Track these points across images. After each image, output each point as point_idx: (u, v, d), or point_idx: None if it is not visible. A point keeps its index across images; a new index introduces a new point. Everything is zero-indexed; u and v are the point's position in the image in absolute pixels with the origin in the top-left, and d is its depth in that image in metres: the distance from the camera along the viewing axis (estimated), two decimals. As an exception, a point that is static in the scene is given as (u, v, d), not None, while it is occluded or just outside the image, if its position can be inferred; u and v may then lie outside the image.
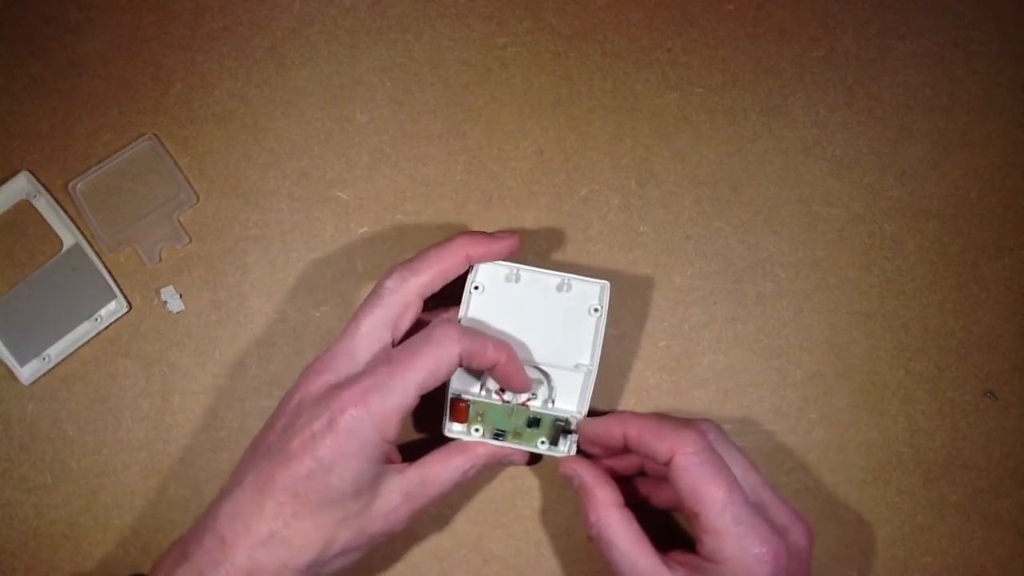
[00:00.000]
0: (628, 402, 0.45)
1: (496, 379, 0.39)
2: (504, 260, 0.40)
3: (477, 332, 0.38)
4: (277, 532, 0.34)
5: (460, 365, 0.37)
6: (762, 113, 0.47)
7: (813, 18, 0.48)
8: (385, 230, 0.46)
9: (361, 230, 0.46)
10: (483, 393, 0.40)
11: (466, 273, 0.40)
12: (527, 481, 0.44)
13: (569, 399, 0.40)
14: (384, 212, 0.46)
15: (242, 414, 0.44)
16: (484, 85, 0.47)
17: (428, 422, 0.42)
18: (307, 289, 0.45)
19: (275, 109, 0.47)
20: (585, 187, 0.46)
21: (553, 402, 0.40)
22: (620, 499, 0.38)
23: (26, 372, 0.44)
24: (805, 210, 0.46)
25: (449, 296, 0.40)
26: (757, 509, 0.36)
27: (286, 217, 0.46)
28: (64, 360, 0.44)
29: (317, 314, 0.45)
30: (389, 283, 0.38)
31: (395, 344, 0.38)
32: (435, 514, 0.43)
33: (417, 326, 0.38)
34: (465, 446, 0.39)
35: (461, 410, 0.40)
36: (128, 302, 0.45)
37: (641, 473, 0.42)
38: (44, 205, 0.45)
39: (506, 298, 0.40)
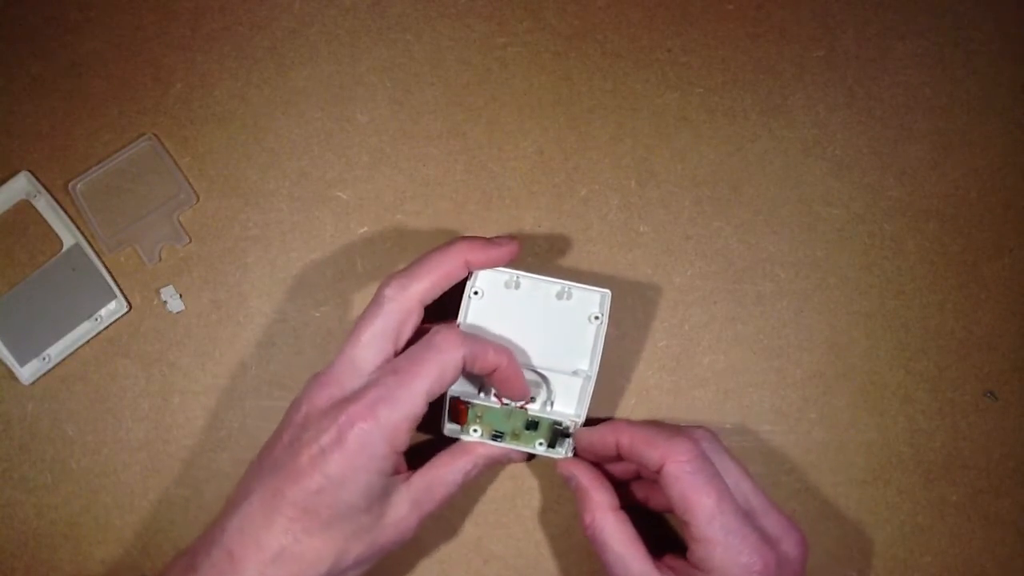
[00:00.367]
0: (628, 402, 0.45)
1: (496, 385, 0.39)
2: (504, 266, 0.40)
3: (477, 336, 0.38)
4: (287, 548, 0.34)
5: (464, 369, 0.37)
6: (762, 113, 0.47)
7: (813, 18, 0.48)
8: (385, 230, 0.46)
9: (361, 230, 0.46)
10: (482, 395, 0.40)
11: (465, 279, 0.40)
12: (527, 481, 0.44)
13: (568, 403, 0.40)
14: (384, 212, 0.46)
15: (242, 414, 0.44)
16: (484, 85, 0.47)
17: (425, 422, 0.42)
18: (307, 289, 0.45)
19: (275, 109, 0.47)
20: (585, 187, 0.46)
21: (552, 405, 0.40)
22: (616, 501, 0.38)
23: (26, 372, 0.44)
24: (805, 210, 0.46)
25: (448, 303, 0.40)
26: (748, 518, 0.36)
27: (286, 217, 0.46)
28: (64, 360, 0.44)
29: (317, 314, 0.45)
30: (388, 291, 0.37)
31: (397, 353, 0.37)
32: (436, 515, 0.43)
33: (417, 334, 0.38)
34: (466, 447, 0.39)
35: (460, 411, 0.40)
36: (128, 302, 0.45)
37: (639, 477, 0.42)
38: (44, 205, 0.45)
39: (506, 304, 0.40)
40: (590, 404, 0.40)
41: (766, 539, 0.35)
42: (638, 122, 0.47)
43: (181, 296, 0.45)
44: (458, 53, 0.47)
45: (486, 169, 0.46)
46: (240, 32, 0.47)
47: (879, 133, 0.47)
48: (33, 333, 0.44)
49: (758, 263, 0.46)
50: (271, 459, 0.36)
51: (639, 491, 0.42)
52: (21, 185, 0.45)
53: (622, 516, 0.38)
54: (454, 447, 0.40)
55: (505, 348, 0.38)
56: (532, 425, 0.40)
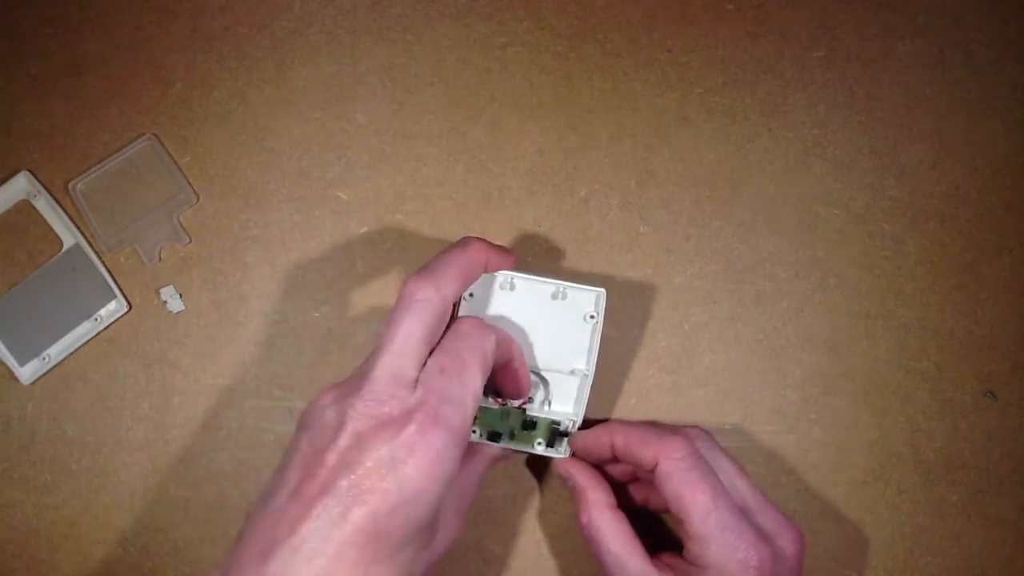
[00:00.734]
0: (628, 402, 0.45)
1: (504, 377, 0.38)
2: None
3: (494, 325, 0.37)
4: None
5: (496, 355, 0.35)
6: (762, 113, 0.47)
7: (813, 18, 0.48)
8: (385, 230, 0.46)
9: (361, 230, 0.46)
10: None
11: None
12: (527, 481, 0.44)
13: (565, 403, 0.40)
14: (384, 212, 0.46)
15: (242, 414, 0.44)
16: (484, 85, 0.47)
17: None
18: (307, 289, 0.45)
19: (275, 109, 0.47)
20: (585, 187, 0.46)
21: (549, 405, 0.40)
22: (612, 500, 0.38)
23: (26, 372, 0.44)
24: (805, 210, 0.46)
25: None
26: (744, 515, 0.36)
27: (286, 217, 0.46)
28: (64, 360, 0.44)
29: (317, 314, 0.45)
30: (422, 294, 0.33)
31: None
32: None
33: None
34: (474, 448, 0.39)
35: None
36: (128, 302, 0.45)
37: (636, 479, 0.42)
38: (44, 205, 0.45)
39: (501, 306, 0.40)
40: (589, 403, 0.40)
41: (762, 535, 0.35)
42: (638, 122, 0.47)
43: (181, 296, 0.45)
44: (458, 53, 0.47)
45: (486, 169, 0.46)
46: (240, 32, 0.47)
47: (879, 133, 0.47)
48: (33, 333, 0.44)
49: (758, 263, 0.46)
50: (318, 485, 0.30)
51: (637, 493, 0.42)
52: (21, 185, 0.45)
53: (619, 515, 0.38)
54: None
55: (514, 339, 0.38)
56: (530, 425, 0.40)
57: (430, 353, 0.34)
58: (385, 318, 0.35)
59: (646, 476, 0.40)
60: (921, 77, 0.48)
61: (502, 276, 0.40)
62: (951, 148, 0.47)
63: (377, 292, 0.45)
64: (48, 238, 0.45)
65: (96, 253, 0.45)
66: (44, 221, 0.45)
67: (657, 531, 0.43)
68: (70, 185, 0.45)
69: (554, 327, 0.40)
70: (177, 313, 0.45)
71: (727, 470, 0.37)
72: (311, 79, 0.47)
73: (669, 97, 0.47)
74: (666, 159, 0.46)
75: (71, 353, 0.44)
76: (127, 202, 0.45)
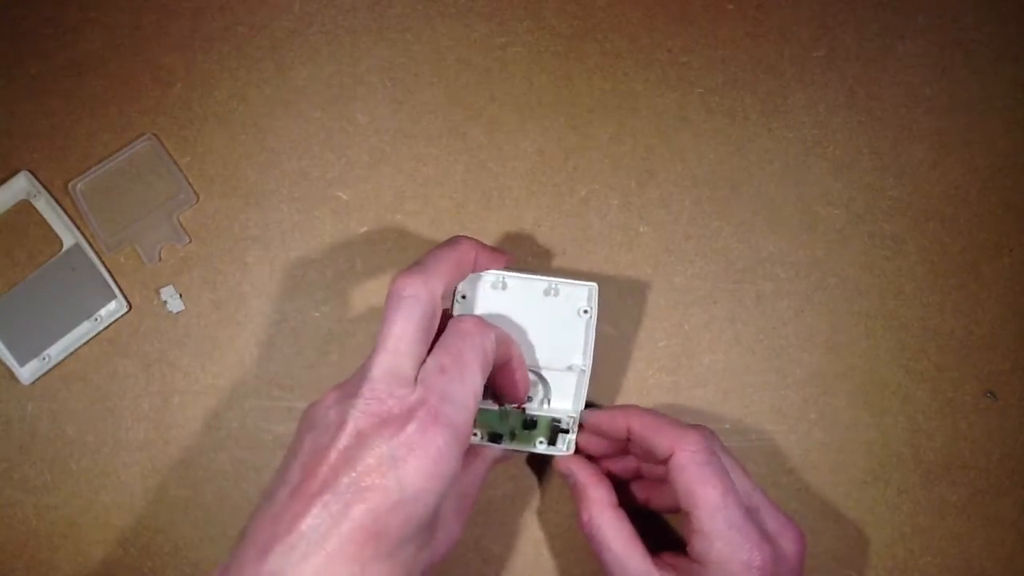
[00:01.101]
0: (628, 401, 0.44)
1: (503, 378, 0.38)
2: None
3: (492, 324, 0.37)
4: None
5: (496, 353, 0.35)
6: (762, 113, 0.47)
7: (813, 18, 0.48)
8: (385, 230, 0.46)
9: (361, 230, 0.46)
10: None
11: None
12: (527, 481, 0.44)
13: (564, 400, 0.40)
14: (384, 212, 0.46)
15: (242, 414, 0.44)
16: (484, 85, 0.47)
17: None
18: (307, 289, 0.45)
19: (275, 109, 0.47)
20: (585, 187, 0.46)
21: (549, 403, 0.40)
22: (614, 499, 0.38)
23: (26, 372, 0.44)
24: (805, 210, 0.46)
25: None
26: (750, 514, 0.36)
27: (286, 217, 0.46)
28: (64, 360, 0.44)
29: (317, 314, 0.45)
30: (411, 290, 0.33)
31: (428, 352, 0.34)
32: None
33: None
34: (475, 450, 0.39)
35: None
36: (128, 302, 0.45)
37: (639, 476, 0.42)
38: (44, 205, 0.45)
39: (494, 306, 0.40)
40: (587, 400, 0.40)
41: (766, 536, 0.35)
42: (638, 122, 0.47)
43: (181, 296, 0.45)
44: (458, 53, 0.47)
45: (486, 169, 0.46)
46: (240, 32, 0.47)
47: (879, 133, 0.47)
48: (33, 333, 0.44)
49: (758, 263, 0.46)
50: (319, 482, 0.30)
51: (640, 491, 0.41)
52: (21, 185, 0.45)
53: (620, 514, 0.38)
54: (467, 450, 0.39)
55: (513, 339, 0.37)
56: (530, 424, 0.40)
57: (430, 350, 0.34)
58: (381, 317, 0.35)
59: (651, 473, 0.40)
60: (921, 77, 0.48)
61: (493, 276, 0.39)
62: (951, 148, 0.47)
63: (377, 292, 0.45)
64: (48, 238, 0.45)
65: (96, 253, 0.45)
66: (44, 221, 0.45)
67: (658, 531, 0.43)
68: (70, 185, 0.45)
69: (548, 324, 0.40)
70: (177, 313, 0.45)
71: (733, 469, 0.37)
72: (311, 79, 0.47)
73: (669, 97, 0.47)
74: (666, 159, 0.46)
75: (71, 353, 0.44)
76: (127, 202, 0.45)
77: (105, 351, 0.44)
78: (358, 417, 0.31)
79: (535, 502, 0.44)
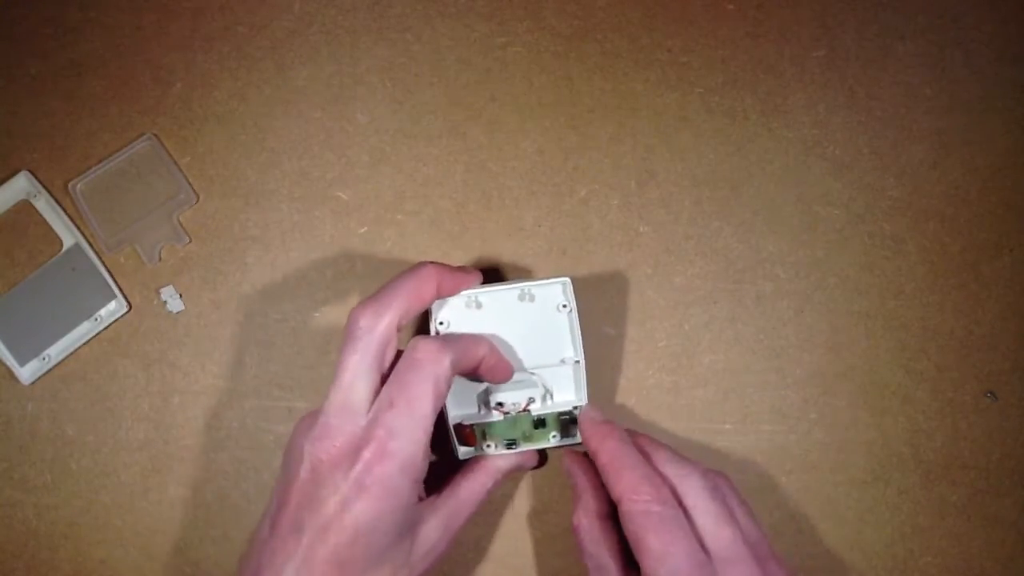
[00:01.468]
0: (628, 402, 0.45)
1: (483, 376, 0.39)
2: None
3: (452, 336, 0.38)
4: None
5: (454, 374, 0.36)
6: (762, 113, 0.47)
7: (813, 18, 0.48)
8: (385, 230, 0.46)
9: (361, 230, 0.46)
10: (482, 412, 0.40)
11: (425, 314, 0.39)
12: (527, 481, 0.44)
13: (566, 392, 0.41)
14: (384, 212, 0.46)
15: (242, 414, 0.44)
16: (484, 85, 0.47)
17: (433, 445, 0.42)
18: (307, 289, 0.45)
19: (275, 109, 0.47)
20: (585, 187, 0.46)
21: (552, 398, 0.41)
22: (606, 510, 0.38)
23: (26, 372, 0.44)
24: (805, 210, 0.46)
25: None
26: (705, 567, 0.34)
27: (286, 217, 0.46)
28: (64, 360, 0.44)
29: (317, 314, 0.45)
30: (363, 322, 0.35)
31: (384, 379, 0.36)
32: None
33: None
34: (483, 464, 0.40)
35: (468, 435, 0.40)
36: (128, 302, 0.45)
37: None
38: (44, 205, 0.45)
39: (474, 325, 0.40)
40: (589, 389, 0.40)
41: None
42: (638, 122, 0.47)
43: (181, 296, 0.45)
44: (458, 53, 0.47)
45: (486, 169, 0.46)
46: (240, 32, 0.47)
47: (879, 133, 0.47)
48: (33, 333, 0.44)
49: (758, 263, 0.46)
50: (289, 521, 0.34)
51: None
52: (21, 185, 0.45)
53: (607, 526, 0.37)
54: (472, 464, 0.40)
55: (481, 336, 0.38)
56: (540, 423, 0.40)
57: (385, 379, 0.35)
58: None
59: None
60: (921, 77, 0.48)
61: (466, 296, 0.39)
62: (951, 148, 0.47)
63: (377, 292, 0.45)
64: (48, 238, 0.45)
65: (96, 253, 0.45)
66: (44, 221, 0.45)
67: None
68: (70, 185, 0.45)
69: (532, 327, 0.40)
70: (177, 313, 0.45)
71: (737, 511, 0.36)
72: (311, 79, 0.47)
73: (669, 97, 0.47)
74: (666, 159, 0.46)
75: (71, 353, 0.44)
76: (127, 202, 0.45)
77: (105, 351, 0.44)
78: (312, 454, 0.34)
79: (535, 502, 0.44)
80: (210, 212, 0.46)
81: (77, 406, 0.44)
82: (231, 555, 0.43)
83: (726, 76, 0.47)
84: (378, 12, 0.48)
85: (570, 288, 0.40)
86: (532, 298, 0.40)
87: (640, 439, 0.39)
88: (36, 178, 0.45)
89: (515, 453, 0.40)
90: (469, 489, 0.39)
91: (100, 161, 0.45)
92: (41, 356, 0.44)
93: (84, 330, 0.44)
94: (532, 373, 0.40)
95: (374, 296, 0.36)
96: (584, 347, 0.40)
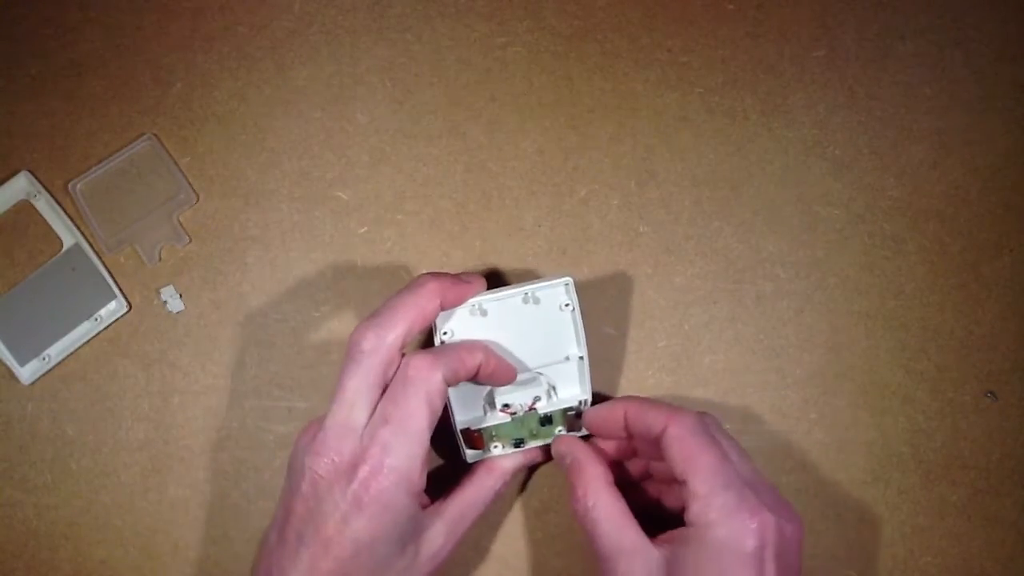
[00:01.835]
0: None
1: (483, 381, 0.39)
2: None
3: (447, 347, 0.37)
4: None
5: (449, 385, 0.36)
6: (762, 113, 0.47)
7: (813, 18, 0.48)
8: (385, 230, 0.46)
9: (361, 230, 0.46)
10: (488, 415, 0.40)
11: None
12: (527, 481, 0.44)
13: (571, 388, 0.41)
14: (384, 212, 0.46)
15: (242, 414, 0.44)
16: (484, 85, 0.47)
17: (442, 449, 0.42)
18: (307, 289, 0.45)
19: (275, 109, 0.47)
20: (585, 187, 0.46)
21: (557, 395, 0.41)
22: (611, 477, 0.38)
23: (26, 372, 0.44)
24: (805, 210, 0.46)
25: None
26: (749, 485, 0.35)
27: (286, 217, 0.46)
28: (64, 360, 0.44)
29: (317, 314, 0.45)
30: (366, 344, 0.35)
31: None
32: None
33: None
34: (491, 465, 0.40)
35: (475, 439, 0.40)
36: (128, 302, 0.45)
37: (649, 476, 0.42)
38: (44, 205, 0.45)
39: (478, 331, 0.40)
40: (593, 384, 0.41)
41: (764, 503, 0.34)
42: (638, 122, 0.47)
43: (181, 296, 0.45)
44: (458, 53, 0.47)
45: (486, 169, 0.46)
46: (240, 32, 0.47)
47: (879, 133, 0.47)
48: (33, 333, 0.44)
49: (758, 263, 0.46)
50: (294, 532, 0.35)
51: (651, 491, 0.41)
52: (21, 185, 0.45)
53: (616, 491, 0.37)
54: (478, 468, 0.40)
55: (477, 343, 0.38)
56: (546, 420, 0.41)
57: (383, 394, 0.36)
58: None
59: (660, 472, 0.40)
60: (921, 77, 0.48)
61: (470, 305, 0.39)
62: (951, 148, 0.47)
63: (377, 292, 0.45)
64: (48, 238, 0.45)
65: (96, 253, 0.45)
66: (44, 221, 0.45)
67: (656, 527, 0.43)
68: (70, 185, 0.45)
69: (536, 329, 0.40)
70: (177, 313, 0.45)
71: (734, 450, 0.37)
72: (311, 79, 0.47)
73: (669, 97, 0.47)
74: (666, 159, 0.46)
75: (71, 353, 0.44)
76: (127, 202, 0.45)
77: (105, 351, 0.44)
78: (312, 468, 0.35)
79: (536, 502, 0.44)
80: (210, 212, 0.46)
81: (77, 406, 0.44)
82: (231, 555, 0.43)
83: (726, 76, 0.47)
84: (378, 12, 0.48)
85: (572, 288, 0.40)
86: (536, 301, 0.40)
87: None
88: (36, 178, 0.45)
89: (521, 452, 0.41)
90: (475, 493, 0.39)
91: (100, 161, 0.46)
92: (41, 356, 0.44)
93: (84, 330, 0.44)
94: (536, 372, 0.40)
95: (376, 316, 0.36)
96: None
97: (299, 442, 0.37)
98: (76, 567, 0.43)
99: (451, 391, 0.38)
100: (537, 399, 0.40)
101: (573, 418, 0.41)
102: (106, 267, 0.45)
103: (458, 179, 0.46)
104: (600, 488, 0.37)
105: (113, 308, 0.44)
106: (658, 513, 0.41)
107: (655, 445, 0.37)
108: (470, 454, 0.40)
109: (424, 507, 0.37)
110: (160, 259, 0.45)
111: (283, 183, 0.46)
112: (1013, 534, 0.44)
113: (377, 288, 0.45)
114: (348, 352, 0.36)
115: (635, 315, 0.45)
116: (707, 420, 0.37)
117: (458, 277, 0.39)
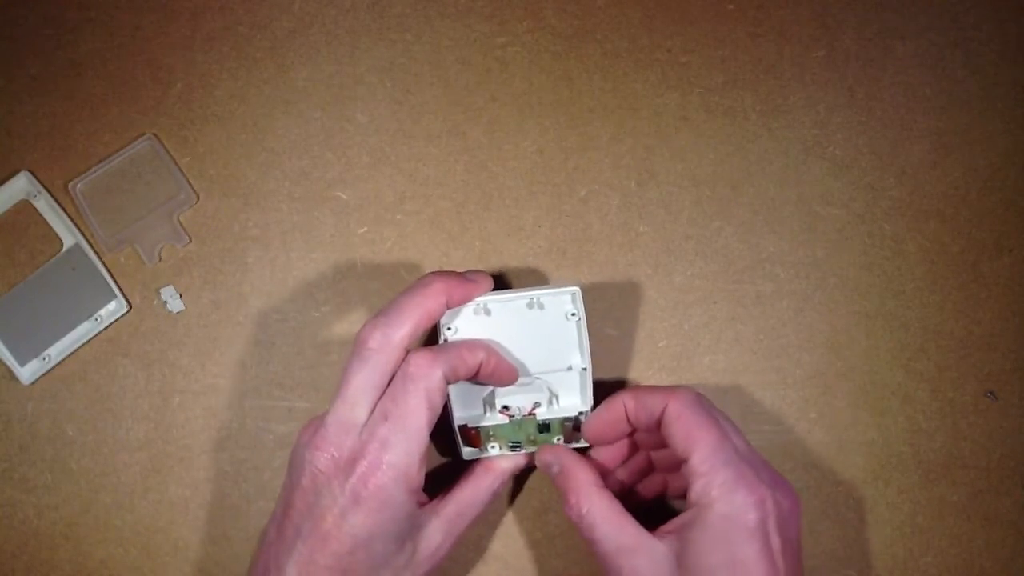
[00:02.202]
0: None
1: (484, 381, 0.39)
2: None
3: (449, 345, 0.37)
4: None
5: (449, 383, 0.37)
6: (762, 113, 0.47)
7: (813, 18, 0.48)
8: (385, 230, 0.46)
9: (361, 230, 0.46)
10: (488, 415, 0.40)
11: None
12: (527, 481, 0.44)
13: (571, 398, 0.41)
14: (384, 212, 0.46)
15: (242, 414, 0.44)
16: (484, 85, 0.47)
17: (442, 447, 0.42)
18: (307, 289, 0.45)
19: (275, 109, 0.47)
20: (585, 187, 0.46)
21: (558, 403, 0.41)
22: (600, 480, 0.38)
23: (26, 372, 0.44)
24: (805, 210, 0.46)
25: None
26: (747, 461, 0.35)
27: (286, 217, 0.46)
28: (64, 360, 0.44)
29: (317, 314, 0.45)
30: (372, 343, 0.36)
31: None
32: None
33: None
34: (489, 464, 0.40)
35: (473, 437, 0.40)
36: (128, 302, 0.45)
37: (651, 471, 0.41)
38: (44, 205, 0.45)
39: (480, 332, 0.39)
40: (593, 395, 0.40)
41: (761, 479, 0.35)
42: (638, 122, 0.47)
43: (181, 296, 0.45)
44: (458, 53, 0.47)
45: (486, 169, 0.46)
46: (240, 32, 0.47)
47: (879, 133, 0.47)
48: (33, 333, 0.44)
49: (758, 263, 0.46)
50: (292, 527, 0.35)
51: (655, 482, 0.41)
52: (21, 185, 0.45)
53: (607, 493, 0.37)
54: (476, 467, 0.40)
55: (479, 342, 0.38)
56: (545, 428, 0.40)
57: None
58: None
59: (662, 462, 0.40)
60: (921, 77, 0.48)
61: (474, 303, 0.39)
62: (951, 148, 0.47)
63: (377, 292, 0.45)
64: (48, 238, 0.45)
65: (96, 253, 0.45)
66: (44, 221, 0.45)
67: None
68: (70, 185, 0.45)
69: (540, 334, 0.40)
70: (177, 313, 0.45)
71: (728, 426, 0.37)
72: (311, 79, 0.47)
73: (669, 97, 0.47)
74: (666, 159, 0.46)
75: (71, 353, 0.44)
76: (127, 202, 0.45)
77: (105, 351, 0.44)
78: (312, 463, 0.35)
79: (536, 502, 0.44)
80: (210, 212, 0.46)
81: (77, 406, 0.44)
82: (231, 555, 0.43)
83: (726, 76, 0.47)
84: (378, 12, 0.48)
85: (579, 298, 0.40)
86: (541, 306, 0.40)
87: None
88: (36, 178, 0.45)
89: (520, 454, 0.40)
90: (473, 492, 0.39)
91: (100, 161, 0.46)
92: (41, 356, 0.44)
93: (84, 330, 0.44)
94: (538, 377, 0.40)
95: (383, 314, 0.36)
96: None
97: (300, 438, 0.37)
98: (76, 567, 0.43)
99: (451, 387, 0.38)
100: (537, 404, 0.40)
101: (571, 429, 0.41)
102: (106, 267, 0.45)
103: (458, 179, 0.46)
104: (592, 492, 0.37)
105: (113, 308, 0.44)
106: (664, 504, 0.41)
107: (657, 432, 0.37)
108: (467, 451, 0.40)
109: (422, 505, 0.37)
110: (160, 259, 0.45)
111: (283, 183, 0.46)
112: (1013, 534, 0.44)
113: (377, 288, 0.45)
114: (355, 349, 0.36)
115: (635, 315, 0.45)
116: (703, 399, 0.37)
117: (465, 276, 0.39)
